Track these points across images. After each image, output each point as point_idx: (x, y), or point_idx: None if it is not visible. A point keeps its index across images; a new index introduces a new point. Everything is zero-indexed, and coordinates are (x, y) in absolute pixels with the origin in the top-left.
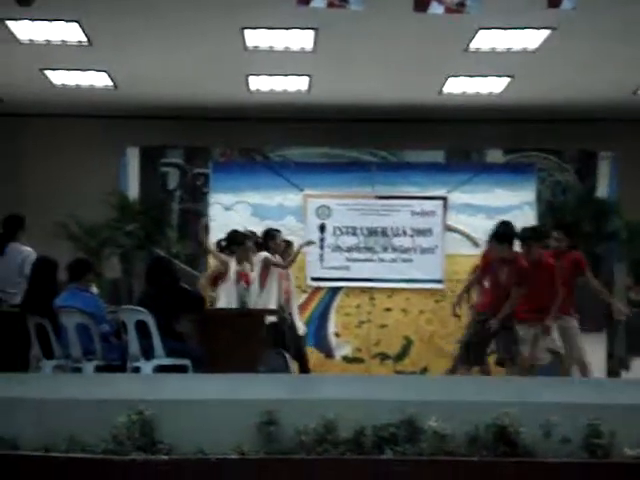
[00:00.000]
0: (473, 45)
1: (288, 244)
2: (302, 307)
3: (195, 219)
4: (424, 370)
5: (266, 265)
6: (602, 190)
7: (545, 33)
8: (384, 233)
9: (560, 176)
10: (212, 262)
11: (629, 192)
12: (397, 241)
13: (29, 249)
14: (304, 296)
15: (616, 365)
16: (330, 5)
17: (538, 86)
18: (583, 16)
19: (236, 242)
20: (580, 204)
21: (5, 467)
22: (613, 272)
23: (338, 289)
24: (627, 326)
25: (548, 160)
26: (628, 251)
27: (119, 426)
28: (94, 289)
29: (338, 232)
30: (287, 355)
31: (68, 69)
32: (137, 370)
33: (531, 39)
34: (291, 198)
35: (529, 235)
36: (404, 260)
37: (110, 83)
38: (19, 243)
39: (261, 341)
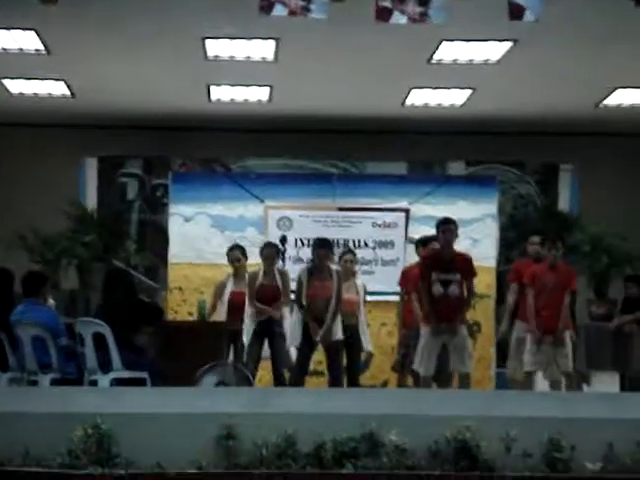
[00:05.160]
0: (436, 57)
1: None
2: None
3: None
4: (385, 384)
5: None
6: (563, 203)
7: (507, 45)
8: (345, 245)
9: (522, 188)
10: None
11: (590, 205)
12: (359, 253)
13: None
14: None
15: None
16: (292, 13)
17: (500, 98)
18: (545, 29)
19: None
20: (541, 217)
21: None
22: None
23: None
24: (587, 340)
25: (510, 172)
26: (589, 264)
27: (75, 440)
28: (51, 301)
29: (299, 244)
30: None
31: (26, 78)
32: (94, 383)
33: (493, 51)
34: (252, 209)
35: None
36: (365, 272)
37: (68, 92)
38: None
39: (220, 353)
